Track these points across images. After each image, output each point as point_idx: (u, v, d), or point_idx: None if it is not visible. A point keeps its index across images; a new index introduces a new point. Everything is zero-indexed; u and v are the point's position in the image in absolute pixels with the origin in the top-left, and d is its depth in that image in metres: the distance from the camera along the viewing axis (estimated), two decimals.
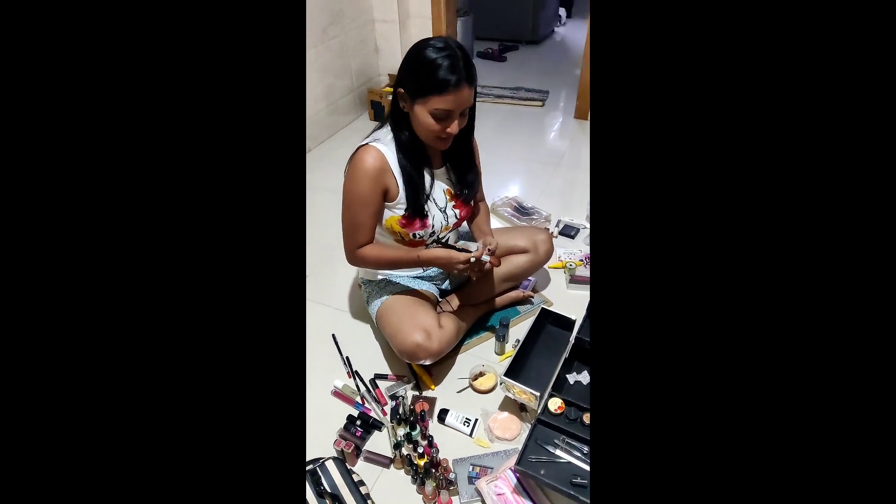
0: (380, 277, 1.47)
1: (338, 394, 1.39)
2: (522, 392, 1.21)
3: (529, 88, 3.28)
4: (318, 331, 1.58)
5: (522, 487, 1.13)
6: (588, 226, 2.00)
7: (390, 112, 1.25)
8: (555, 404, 1.19)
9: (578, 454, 1.09)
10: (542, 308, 1.42)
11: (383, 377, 1.43)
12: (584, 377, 1.34)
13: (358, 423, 1.30)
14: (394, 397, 1.36)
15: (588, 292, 1.67)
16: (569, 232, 1.97)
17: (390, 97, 1.24)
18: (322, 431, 1.27)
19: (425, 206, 1.30)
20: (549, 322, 1.44)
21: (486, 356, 1.49)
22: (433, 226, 1.33)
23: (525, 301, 1.64)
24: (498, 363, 1.46)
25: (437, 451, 1.21)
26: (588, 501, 0.99)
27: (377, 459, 1.22)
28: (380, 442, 1.27)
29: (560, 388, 1.29)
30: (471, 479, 1.17)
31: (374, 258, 1.32)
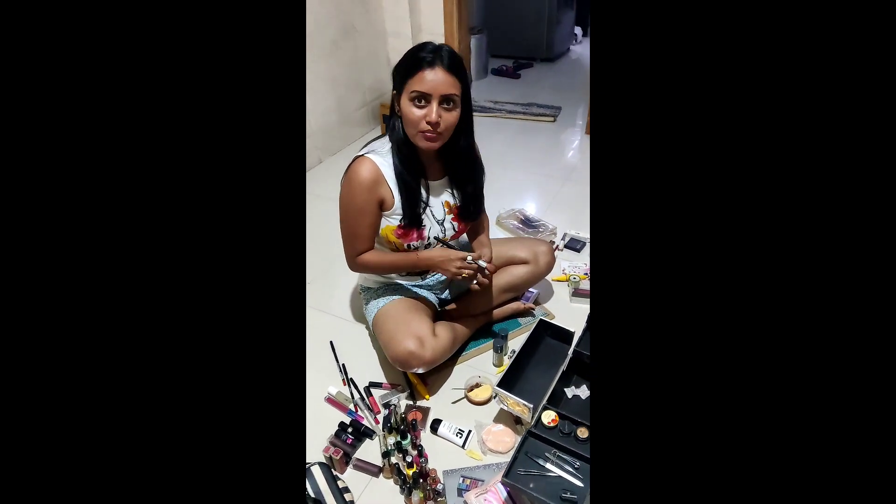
0: (378, 285, 1.47)
1: (331, 400, 1.37)
2: (516, 404, 1.18)
3: (542, 104, 3.28)
4: (317, 337, 1.57)
5: (512, 502, 1.10)
6: None
7: (388, 118, 1.26)
8: (548, 417, 1.16)
9: (570, 469, 1.06)
10: (541, 320, 1.40)
11: (377, 385, 1.42)
12: (583, 391, 1.31)
13: (349, 430, 1.28)
14: (387, 406, 1.34)
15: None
16: (575, 245, 1.94)
17: None
18: (313, 437, 1.26)
19: (422, 217, 1.30)
20: (548, 334, 1.41)
21: (483, 368, 1.47)
22: (429, 237, 1.32)
23: (526, 313, 1.62)
24: (495, 375, 1.43)
25: (427, 461, 1.18)
26: None
27: (366, 468, 1.20)
28: (371, 450, 1.25)
29: (556, 401, 1.26)
30: (460, 492, 1.14)
31: (374, 263, 1.32)
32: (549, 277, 1.80)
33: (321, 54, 2.48)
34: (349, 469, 1.21)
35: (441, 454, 1.24)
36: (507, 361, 1.45)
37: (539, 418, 1.17)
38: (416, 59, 1.12)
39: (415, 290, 1.47)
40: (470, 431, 1.28)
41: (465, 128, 1.25)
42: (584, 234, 2.00)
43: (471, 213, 1.38)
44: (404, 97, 1.14)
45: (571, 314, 1.63)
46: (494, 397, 1.24)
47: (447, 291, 1.56)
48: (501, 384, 1.21)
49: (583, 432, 1.13)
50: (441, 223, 1.34)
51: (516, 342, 1.53)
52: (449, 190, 1.35)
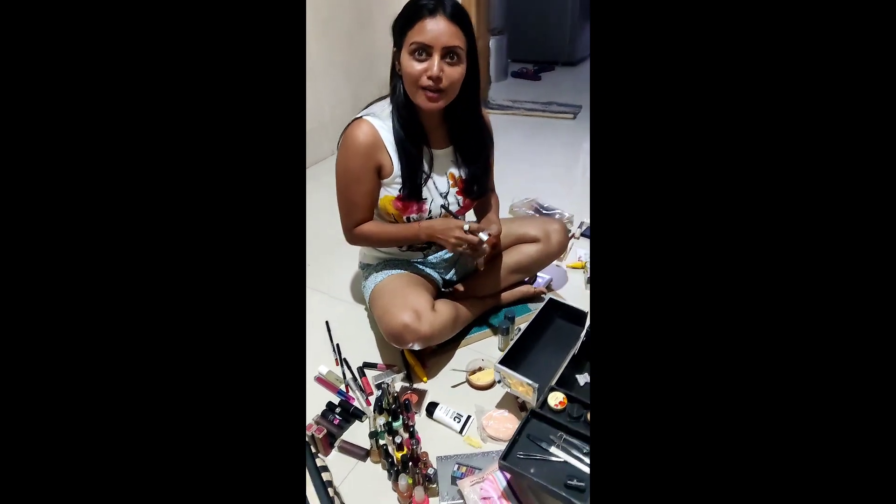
0: (378, 261, 1.37)
1: (321, 380, 1.27)
2: (519, 384, 1.06)
3: (561, 103, 3.20)
4: (312, 318, 1.48)
5: (512, 492, 0.97)
6: None
7: (389, 78, 1.18)
8: (556, 399, 1.04)
9: (577, 454, 0.93)
10: (551, 299, 1.27)
11: (372, 366, 1.31)
12: None
13: (337, 410, 1.18)
14: (380, 386, 1.23)
15: None
16: (591, 233, 1.82)
17: None
18: None
19: (423, 188, 1.20)
20: (558, 315, 1.29)
21: (487, 352, 1.35)
22: (431, 210, 1.23)
23: (536, 298, 1.50)
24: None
25: (419, 444, 1.06)
26: None
27: (352, 450, 1.09)
28: (359, 434, 1.14)
29: (567, 387, 1.13)
30: (454, 480, 1.01)
31: (373, 234, 1.23)
32: (564, 264, 1.68)
33: (337, 45, 2.46)
34: (333, 452, 1.10)
35: (436, 440, 1.12)
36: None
37: (545, 400, 1.04)
38: (416, 7, 1.03)
39: (417, 266, 1.37)
40: (469, 417, 1.16)
41: (471, 89, 1.16)
42: None
43: (478, 187, 1.27)
44: (404, 52, 1.06)
45: (586, 302, 1.50)
46: (499, 382, 1.12)
47: (452, 272, 1.45)
48: (504, 362, 1.09)
49: None
50: (444, 196, 1.25)
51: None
52: (454, 161, 1.25)
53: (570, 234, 1.75)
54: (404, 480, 0.97)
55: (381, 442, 1.05)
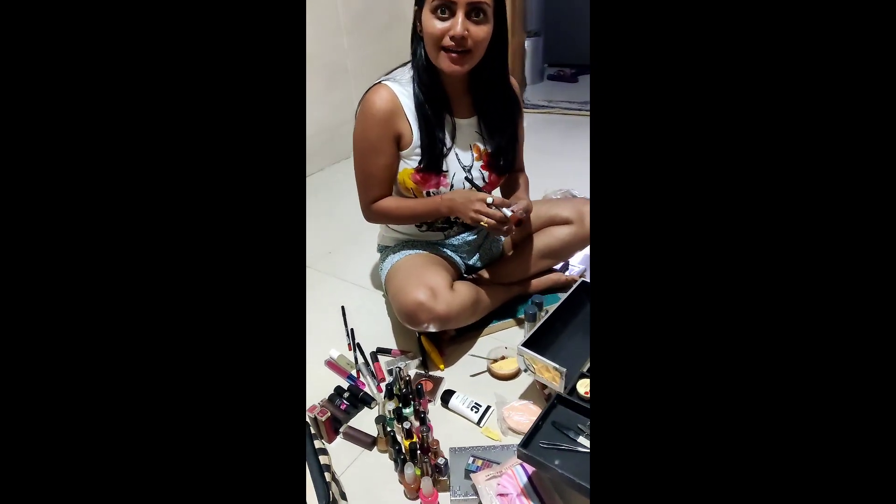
0: (396, 242, 1.29)
1: (331, 364, 1.19)
2: (545, 368, 0.94)
3: None
4: (327, 303, 1.41)
5: (534, 489, 0.84)
6: None
7: (410, 40, 1.11)
8: (586, 386, 0.91)
9: None
10: (583, 281, 1.15)
11: (386, 352, 1.22)
12: None
13: (345, 395, 1.08)
14: (392, 372, 1.13)
15: None
16: None
17: None
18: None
19: (443, 159, 1.11)
20: (591, 299, 1.16)
21: (512, 341, 1.23)
22: (452, 185, 1.13)
23: (568, 287, 1.37)
24: None
25: (430, 432, 0.95)
26: None
27: (358, 437, 0.99)
28: (367, 421, 1.04)
29: None
30: (468, 474, 0.90)
31: (392, 210, 1.14)
32: None
33: (369, 39, 2.44)
34: (338, 438, 1.01)
35: (451, 431, 1.01)
36: None
37: (574, 387, 0.92)
38: None
39: (437, 248, 1.27)
40: (489, 407, 1.04)
41: (498, 52, 1.07)
42: None
43: (504, 161, 1.18)
44: (425, 10, 0.99)
45: None
46: (525, 370, 1.00)
47: (476, 256, 1.34)
48: (528, 345, 0.97)
49: None
50: (468, 170, 1.15)
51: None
52: (479, 132, 1.16)
53: None
54: (411, 470, 0.86)
55: (389, 429, 0.95)
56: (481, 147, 1.16)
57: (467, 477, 0.89)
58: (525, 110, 3.00)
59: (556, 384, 0.93)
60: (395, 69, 1.15)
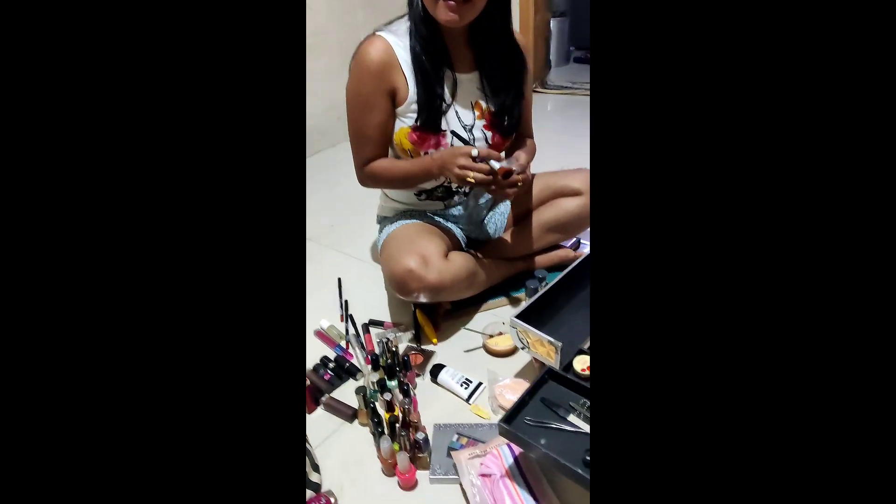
0: (395, 213, 1.22)
1: (321, 334, 1.14)
2: (539, 342, 0.86)
3: None
4: (324, 274, 1.36)
5: (520, 472, 0.77)
6: None
7: None
8: (583, 363, 0.83)
9: None
10: (588, 254, 1.06)
11: (378, 324, 1.16)
12: None
13: (330, 365, 1.03)
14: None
15: None
16: None
17: None
18: None
19: (442, 118, 1.04)
20: None
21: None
22: (451, 145, 1.06)
23: None
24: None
25: (412, 405, 0.89)
26: None
27: (339, 408, 0.93)
28: (351, 393, 0.98)
29: None
30: (451, 452, 0.83)
31: (385, 172, 1.08)
32: None
33: (385, 14, 2.37)
34: (318, 409, 0.95)
35: (438, 407, 0.95)
36: None
37: (570, 364, 0.83)
38: None
39: (436, 219, 1.20)
40: (480, 384, 0.97)
41: (499, 3, 0.99)
42: None
43: (509, 120, 1.09)
44: None
45: None
46: (522, 348, 0.92)
47: (480, 231, 1.26)
48: (522, 318, 0.89)
49: None
50: (469, 130, 1.08)
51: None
52: (481, 88, 1.08)
53: None
54: (387, 444, 0.80)
55: (371, 401, 0.89)
56: (483, 105, 1.08)
57: (450, 455, 0.82)
58: (549, 91, 2.90)
59: (551, 360, 0.85)
60: (393, 21, 1.08)
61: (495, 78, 1.07)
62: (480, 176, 0.93)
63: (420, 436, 0.81)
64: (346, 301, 1.24)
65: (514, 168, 0.96)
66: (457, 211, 1.21)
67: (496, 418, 0.91)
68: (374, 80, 1.00)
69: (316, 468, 0.83)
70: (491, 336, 1.06)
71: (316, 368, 1.03)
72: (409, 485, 0.80)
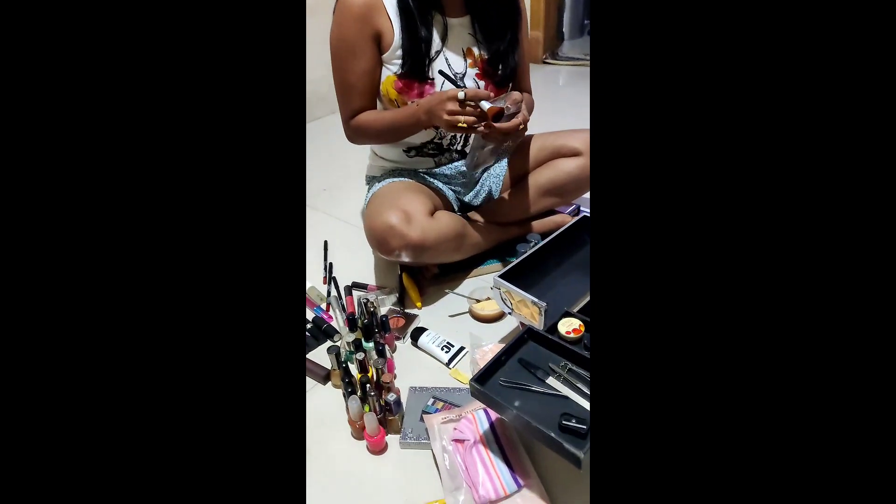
0: (383, 171, 1.16)
1: None
2: (523, 303, 0.80)
3: None
4: (311, 238, 1.31)
5: (495, 437, 0.72)
6: None
7: None
8: (568, 325, 0.77)
9: (583, 390, 0.65)
10: (584, 216, 0.99)
11: (362, 286, 1.10)
12: None
13: (308, 326, 0.98)
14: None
15: None
16: None
17: None
18: None
19: (431, 64, 0.97)
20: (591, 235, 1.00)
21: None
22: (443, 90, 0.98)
23: None
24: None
25: (385, 366, 0.83)
26: (580, 454, 0.55)
27: (312, 369, 0.89)
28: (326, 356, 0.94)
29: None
30: (423, 416, 0.78)
31: (371, 124, 1.01)
32: None
33: None
34: None
35: (417, 371, 0.89)
36: None
37: (555, 325, 0.77)
38: None
39: (426, 178, 1.14)
40: (462, 349, 0.91)
41: None
42: None
43: (503, 70, 1.02)
44: None
45: None
46: (510, 313, 0.86)
47: (474, 193, 1.20)
48: (507, 278, 0.83)
49: None
50: (461, 78, 1.00)
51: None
52: (473, 34, 1.01)
53: None
54: (356, 404, 0.75)
55: (343, 361, 0.84)
56: (476, 52, 1.00)
57: (423, 420, 0.77)
58: (562, 63, 2.79)
59: (535, 322, 0.79)
60: None
61: (488, 22, 0.99)
62: (471, 119, 0.86)
63: (391, 397, 0.76)
64: (330, 263, 1.19)
65: (505, 107, 0.89)
66: (449, 170, 1.15)
67: None
68: (358, 24, 0.94)
69: None
70: (478, 301, 1.01)
71: None
72: (377, 448, 0.75)
